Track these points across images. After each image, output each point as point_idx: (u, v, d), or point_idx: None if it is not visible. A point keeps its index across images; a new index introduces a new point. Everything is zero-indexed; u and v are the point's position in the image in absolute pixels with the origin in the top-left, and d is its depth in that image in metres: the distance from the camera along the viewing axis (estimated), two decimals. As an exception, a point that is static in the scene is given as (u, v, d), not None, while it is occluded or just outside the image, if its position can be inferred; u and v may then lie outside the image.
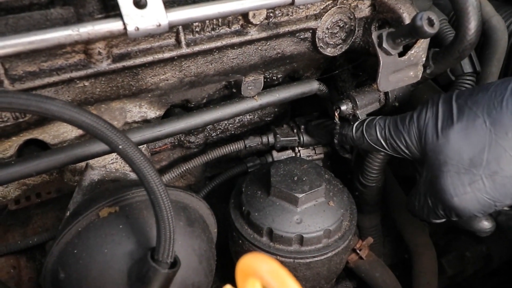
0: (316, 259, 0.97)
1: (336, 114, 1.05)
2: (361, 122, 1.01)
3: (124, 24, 0.64)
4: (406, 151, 0.94)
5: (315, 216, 0.97)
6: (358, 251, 1.31)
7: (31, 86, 0.70)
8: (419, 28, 0.78)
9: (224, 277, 1.21)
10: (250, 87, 0.99)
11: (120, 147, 0.65)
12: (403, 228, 1.49)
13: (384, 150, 0.97)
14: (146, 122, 0.99)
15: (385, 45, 0.87)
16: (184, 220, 0.84)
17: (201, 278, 0.83)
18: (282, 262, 0.96)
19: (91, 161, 0.96)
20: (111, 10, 0.69)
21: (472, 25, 0.90)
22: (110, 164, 1.02)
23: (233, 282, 1.00)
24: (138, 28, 0.65)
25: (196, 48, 0.82)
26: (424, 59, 0.95)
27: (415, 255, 1.48)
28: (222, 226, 1.04)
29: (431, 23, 0.78)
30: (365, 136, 0.98)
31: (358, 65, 1.19)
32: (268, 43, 0.92)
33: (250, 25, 0.85)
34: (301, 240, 0.96)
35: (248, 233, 0.99)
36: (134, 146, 0.66)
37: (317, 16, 0.93)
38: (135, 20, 0.65)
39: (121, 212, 0.79)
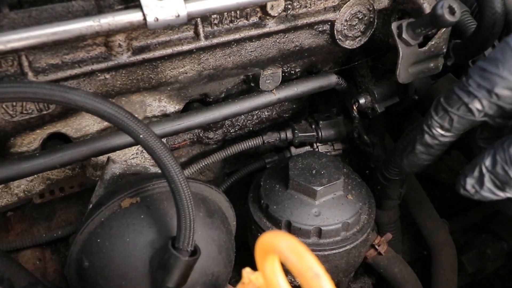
0: (334, 251, 0.97)
1: (355, 107, 1.04)
2: (435, 107, 0.82)
3: (143, 14, 0.65)
4: (510, 93, 0.72)
5: (334, 209, 0.97)
6: (376, 247, 1.30)
7: (54, 78, 0.72)
8: (440, 17, 0.78)
9: (240, 272, 1.21)
10: (268, 81, 1.00)
11: (141, 136, 0.66)
12: (423, 225, 1.47)
13: (481, 116, 0.76)
14: (166, 116, 1.00)
15: (404, 35, 0.86)
16: (203, 211, 0.85)
17: (221, 268, 0.83)
18: (301, 255, 0.96)
19: (112, 156, 0.98)
20: (130, 1, 0.70)
21: (495, 16, 0.88)
22: (131, 159, 1.04)
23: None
24: (157, 19, 0.66)
25: (215, 41, 0.83)
26: (445, 50, 0.94)
27: (434, 252, 1.46)
28: (241, 222, 1.04)
29: (452, 11, 0.77)
30: (449, 109, 0.79)
31: (377, 59, 1.19)
32: (286, 36, 0.92)
33: (268, 17, 0.85)
34: (319, 232, 0.95)
35: (266, 226, 0.99)
36: (155, 135, 0.67)
37: (335, 8, 0.93)
38: (155, 10, 0.66)
39: (142, 202, 0.80)
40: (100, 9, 0.69)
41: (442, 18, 0.77)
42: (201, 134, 1.21)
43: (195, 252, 0.72)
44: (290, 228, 0.96)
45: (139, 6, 0.65)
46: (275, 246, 0.36)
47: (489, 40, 0.92)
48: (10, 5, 0.65)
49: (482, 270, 1.64)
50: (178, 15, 0.67)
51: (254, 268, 0.58)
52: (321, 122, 1.25)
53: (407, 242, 1.63)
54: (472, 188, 0.78)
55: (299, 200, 0.98)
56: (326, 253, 0.97)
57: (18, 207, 1.09)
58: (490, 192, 0.75)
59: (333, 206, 0.98)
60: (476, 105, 0.74)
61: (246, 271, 0.49)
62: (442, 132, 0.82)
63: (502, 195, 0.75)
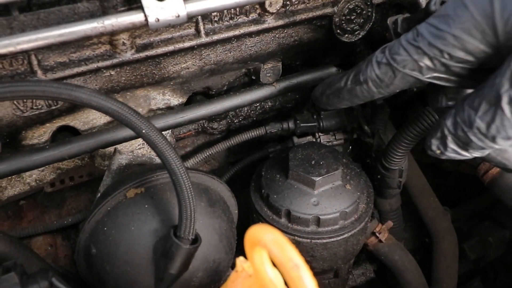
0: (332, 239, 1.00)
1: (354, 99, 1.07)
2: (381, 50, 0.77)
3: (145, 15, 0.69)
4: (463, 53, 0.66)
5: (332, 198, 1.00)
6: (377, 235, 1.34)
7: (61, 75, 0.76)
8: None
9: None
10: (269, 74, 1.02)
11: (144, 131, 0.70)
12: (424, 213, 1.50)
13: (429, 76, 0.72)
14: (170, 109, 1.03)
15: (400, 30, 0.88)
16: (205, 201, 0.89)
17: (222, 255, 0.88)
18: (299, 243, 1.00)
19: (119, 147, 1.02)
20: (133, 2, 0.73)
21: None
22: (137, 150, 1.08)
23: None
24: (158, 19, 0.69)
25: (215, 37, 0.85)
26: (441, 43, 0.96)
27: (435, 240, 1.49)
28: (245, 210, 1.08)
29: (445, 7, 0.79)
30: (394, 64, 0.73)
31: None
32: (285, 31, 0.95)
33: (267, 14, 0.88)
34: (318, 221, 0.99)
35: (267, 214, 1.03)
36: (156, 130, 0.71)
37: (333, 3, 0.95)
38: (155, 11, 0.69)
39: (146, 193, 0.84)
40: (104, 10, 0.72)
41: (436, 14, 0.79)
42: (205, 125, 1.25)
43: (196, 241, 0.76)
44: (289, 217, 1.00)
45: (140, 8, 0.68)
46: (260, 238, 0.40)
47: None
48: (19, 8, 0.68)
49: (484, 257, 1.67)
50: (178, 15, 0.70)
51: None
52: (322, 112, 1.28)
53: (410, 230, 1.67)
54: (437, 148, 0.74)
55: (298, 189, 1.01)
56: (324, 241, 1.00)
57: (30, 196, 1.14)
58: (454, 152, 0.72)
59: (332, 196, 1.01)
60: (426, 63, 0.69)
61: (240, 260, 0.53)
62: (376, 89, 0.78)
63: (467, 155, 0.72)
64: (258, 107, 1.34)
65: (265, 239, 0.39)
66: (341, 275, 1.18)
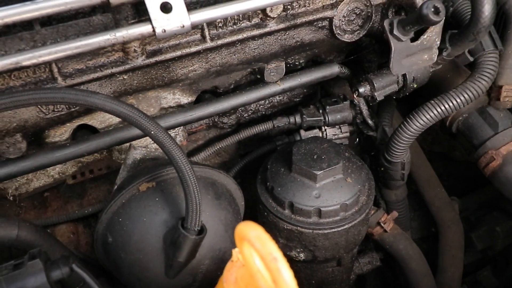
0: (333, 230, 1.06)
1: (355, 96, 1.11)
2: None
3: (153, 27, 0.75)
4: None
5: (333, 191, 1.06)
6: (382, 224, 1.39)
7: (79, 81, 0.83)
8: (425, 16, 0.83)
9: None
10: (273, 73, 1.08)
11: (152, 132, 0.77)
12: (431, 203, 1.53)
13: None
14: (180, 107, 1.10)
15: (396, 32, 0.92)
16: (212, 194, 0.96)
17: (227, 244, 0.95)
18: (302, 233, 1.06)
19: (134, 142, 1.10)
20: (142, 14, 0.80)
21: (486, 9, 0.93)
22: (151, 144, 1.15)
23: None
24: (165, 30, 0.76)
25: (220, 42, 0.91)
26: (438, 42, 0.99)
27: (441, 230, 1.53)
28: (255, 199, 1.14)
29: (436, 11, 0.83)
30: None
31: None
32: (287, 33, 1.00)
33: (268, 18, 0.93)
34: (319, 213, 1.05)
35: (272, 206, 1.09)
36: (164, 131, 0.78)
37: (333, 5, 0.99)
38: (162, 23, 0.75)
39: (157, 187, 0.91)
40: (116, 22, 0.79)
41: (427, 17, 0.83)
42: (216, 119, 1.31)
43: (201, 231, 0.83)
44: (292, 209, 1.06)
45: (148, 20, 0.75)
46: (246, 234, 0.46)
47: (481, 31, 0.96)
48: (41, 22, 0.76)
49: (492, 247, 1.68)
50: (183, 26, 0.76)
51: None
52: (328, 107, 1.32)
53: (419, 219, 1.69)
54: None
55: (301, 183, 1.07)
56: (326, 231, 1.06)
57: (54, 187, 1.24)
58: None
59: (333, 189, 1.06)
60: None
61: (235, 251, 0.60)
62: None
63: None
64: (267, 102, 1.39)
65: (249, 235, 0.45)
66: (344, 263, 1.24)
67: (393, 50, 0.95)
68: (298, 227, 1.06)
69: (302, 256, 1.13)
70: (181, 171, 0.79)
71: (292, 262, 1.19)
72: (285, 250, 1.13)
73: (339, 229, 1.07)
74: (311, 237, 1.07)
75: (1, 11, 0.68)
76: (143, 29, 0.75)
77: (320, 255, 1.12)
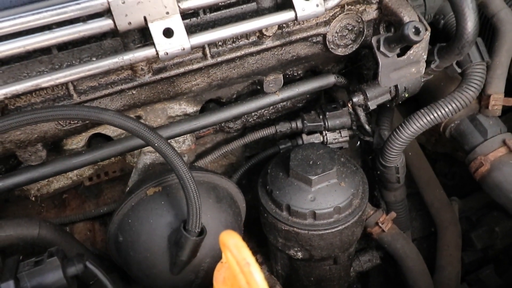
0: (328, 231, 1.14)
1: (349, 105, 1.18)
2: None
3: (156, 51, 0.84)
4: None
5: (327, 195, 1.13)
6: (380, 225, 1.45)
7: (92, 97, 0.93)
8: (407, 37, 0.90)
9: (259, 244, 1.42)
10: (271, 85, 1.16)
11: (156, 144, 0.86)
12: (430, 204, 1.58)
13: None
14: (186, 115, 1.19)
15: (382, 49, 0.99)
16: (213, 198, 1.05)
17: (227, 244, 1.04)
18: (298, 234, 1.14)
19: (144, 148, 1.19)
20: (148, 37, 0.88)
21: (469, 25, 0.99)
22: (160, 150, 1.25)
23: (262, 247, 1.23)
24: (167, 53, 0.84)
25: (220, 59, 1.00)
26: (425, 56, 1.06)
27: (440, 230, 1.57)
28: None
29: (417, 31, 0.90)
30: None
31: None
32: (283, 49, 1.07)
33: (265, 36, 1.01)
34: (314, 215, 1.12)
35: (271, 208, 1.17)
36: (166, 143, 0.87)
37: (326, 23, 1.06)
38: (164, 47, 0.84)
39: (163, 191, 1.01)
40: (125, 45, 0.88)
41: (409, 37, 0.90)
42: (222, 124, 1.39)
43: (201, 233, 0.92)
44: (289, 211, 1.14)
45: (152, 44, 0.84)
46: (226, 242, 0.54)
47: (465, 46, 1.02)
48: (58, 47, 0.85)
49: (491, 246, 1.72)
50: (184, 48, 0.85)
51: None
52: (327, 113, 1.39)
53: (420, 219, 1.74)
54: None
55: (297, 187, 1.15)
56: (320, 232, 1.14)
57: (72, 188, 1.35)
58: None
59: (327, 193, 1.14)
60: None
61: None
62: None
63: None
64: (271, 107, 1.47)
65: (228, 242, 0.54)
66: (340, 262, 1.31)
67: (380, 65, 1.02)
68: (295, 228, 1.14)
69: (299, 254, 1.21)
70: (182, 179, 0.87)
71: (292, 260, 1.28)
72: (284, 249, 1.21)
73: (333, 230, 1.14)
74: (307, 238, 1.15)
75: (23, 40, 0.78)
76: (148, 52, 0.84)
77: (316, 254, 1.19)
